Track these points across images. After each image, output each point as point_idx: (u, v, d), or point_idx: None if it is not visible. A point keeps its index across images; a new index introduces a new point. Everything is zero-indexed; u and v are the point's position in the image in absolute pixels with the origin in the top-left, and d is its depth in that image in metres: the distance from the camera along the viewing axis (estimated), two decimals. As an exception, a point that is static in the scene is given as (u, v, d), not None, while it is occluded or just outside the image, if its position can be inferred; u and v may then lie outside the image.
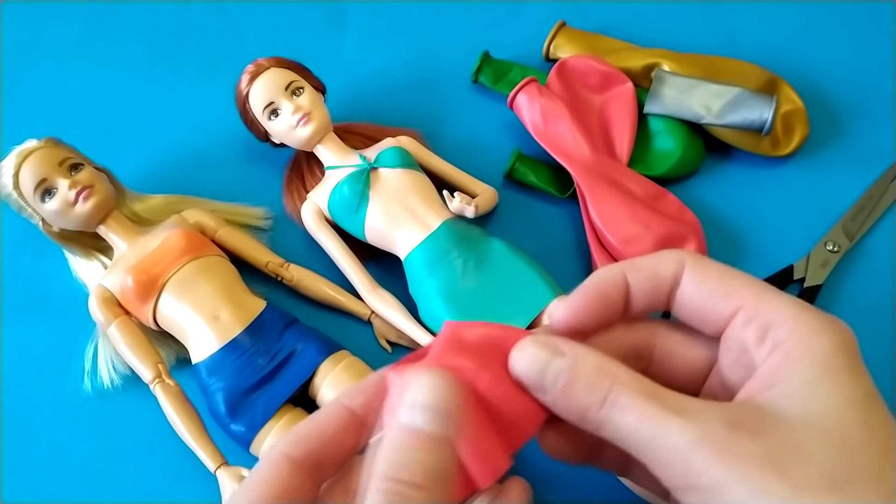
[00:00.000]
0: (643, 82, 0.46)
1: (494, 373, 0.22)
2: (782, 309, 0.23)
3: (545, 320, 0.37)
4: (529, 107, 0.42)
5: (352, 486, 0.22)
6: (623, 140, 0.43)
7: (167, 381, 0.38)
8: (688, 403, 0.22)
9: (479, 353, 0.23)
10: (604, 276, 0.25)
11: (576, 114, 0.43)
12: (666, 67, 0.45)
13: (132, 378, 0.39)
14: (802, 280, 0.40)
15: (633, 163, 0.44)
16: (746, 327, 0.23)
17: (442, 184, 0.43)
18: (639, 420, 0.21)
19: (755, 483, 0.19)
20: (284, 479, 0.21)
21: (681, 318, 0.25)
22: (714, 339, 0.25)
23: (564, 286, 0.39)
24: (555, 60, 0.48)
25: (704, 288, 0.24)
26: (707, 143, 0.44)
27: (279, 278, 0.41)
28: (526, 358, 0.23)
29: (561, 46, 0.48)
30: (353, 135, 0.45)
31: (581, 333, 0.25)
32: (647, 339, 0.27)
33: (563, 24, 0.48)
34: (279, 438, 0.22)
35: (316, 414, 0.23)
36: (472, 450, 0.20)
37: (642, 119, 0.44)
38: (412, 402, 0.20)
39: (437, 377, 0.20)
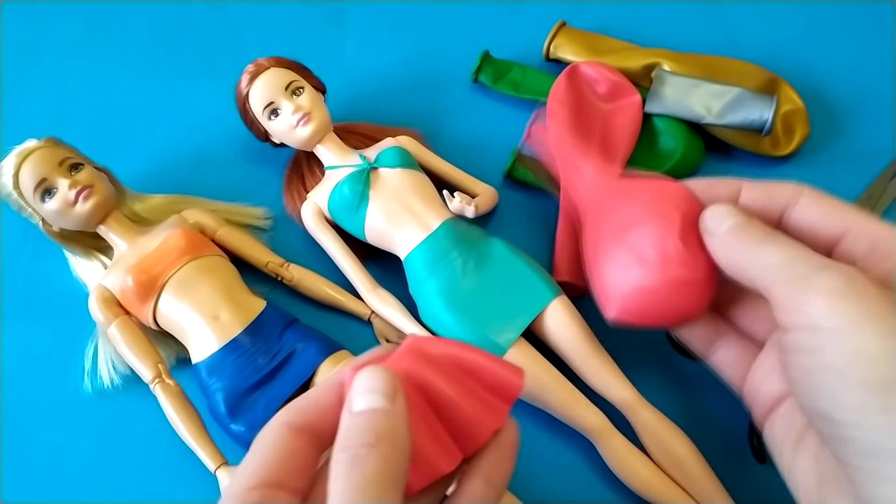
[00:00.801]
0: (643, 82, 0.46)
1: (451, 381, 0.23)
2: (887, 229, 0.26)
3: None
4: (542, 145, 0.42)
5: None
6: (619, 152, 0.43)
7: (167, 380, 0.38)
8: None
9: (439, 363, 0.24)
10: (718, 180, 0.29)
11: (578, 120, 0.43)
12: (666, 67, 0.45)
13: (132, 378, 0.39)
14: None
15: (633, 163, 0.44)
16: (855, 244, 0.26)
17: (442, 184, 0.43)
18: (783, 249, 0.25)
19: (869, 312, 0.22)
20: (287, 442, 0.22)
21: (795, 236, 0.28)
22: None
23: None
24: (555, 60, 0.48)
25: (818, 210, 0.27)
26: (707, 143, 0.44)
27: (279, 278, 0.41)
28: (715, 211, 0.27)
29: (561, 46, 0.48)
30: (353, 135, 0.45)
31: None
32: None
33: (563, 24, 0.48)
34: (281, 411, 0.23)
35: (312, 389, 0.24)
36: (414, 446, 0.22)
37: (645, 120, 0.44)
38: (357, 392, 0.22)
39: (377, 370, 0.22)
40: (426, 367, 0.23)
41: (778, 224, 0.28)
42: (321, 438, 0.23)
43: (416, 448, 0.22)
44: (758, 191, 0.28)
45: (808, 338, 0.23)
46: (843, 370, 0.21)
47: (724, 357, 0.31)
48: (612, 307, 0.30)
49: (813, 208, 0.27)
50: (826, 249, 0.27)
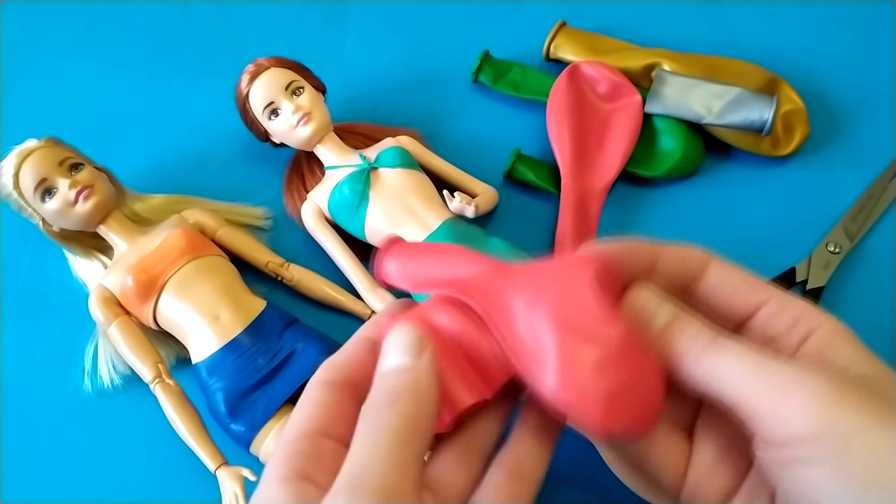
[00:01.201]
0: (643, 82, 0.46)
1: (469, 321, 0.25)
2: (806, 305, 0.25)
3: None
4: None
5: None
6: (618, 153, 0.43)
7: (167, 380, 0.38)
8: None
9: (457, 308, 0.25)
10: (637, 244, 0.27)
11: (578, 119, 0.44)
12: (666, 67, 0.45)
13: (132, 378, 0.39)
14: (804, 282, 0.40)
15: (633, 163, 0.44)
16: (776, 318, 0.25)
17: (442, 184, 0.43)
18: (743, 356, 0.22)
19: (866, 412, 0.20)
20: (329, 396, 0.24)
21: (696, 307, 0.26)
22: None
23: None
24: (555, 60, 0.48)
25: (732, 280, 0.26)
26: (707, 143, 0.44)
27: (279, 278, 0.41)
28: (644, 293, 0.25)
29: (561, 46, 0.48)
30: (354, 134, 0.45)
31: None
32: None
33: (563, 24, 0.48)
34: (318, 370, 0.25)
35: (343, 347, 0.26)
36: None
37: (645, 120, 0.44)
38: (385, 352, 0.23)
39: (405, 328, 0.23)
40: (457, 313, 0.25)
41: (686, 293, 0.26)
42: (358, 390, 0.24)
43: (446, 383, 0.23)
44: (672, 258, 0.26)
45: (807, 449, 0.21)
46: (858, 476, 0.20)
47: (657, 458, 0.27)
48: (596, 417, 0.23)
49: (724, 278, 0.26)
50: (738, 321, 0.26)
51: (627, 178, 0.44)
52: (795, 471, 0.21)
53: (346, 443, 0.23)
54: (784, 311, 0.25)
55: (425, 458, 0.23)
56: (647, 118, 0.44)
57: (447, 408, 0.23)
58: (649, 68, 0.45)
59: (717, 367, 0.23)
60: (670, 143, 0.44)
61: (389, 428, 0.21)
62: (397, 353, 0.23)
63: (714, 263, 0.26)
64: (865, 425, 0.20)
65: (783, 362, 0.22)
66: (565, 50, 0.47)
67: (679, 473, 0.27)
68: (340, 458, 0.22)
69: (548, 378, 0.23)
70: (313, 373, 0.36)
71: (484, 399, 0.24)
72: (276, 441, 0.35)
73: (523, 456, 0.25)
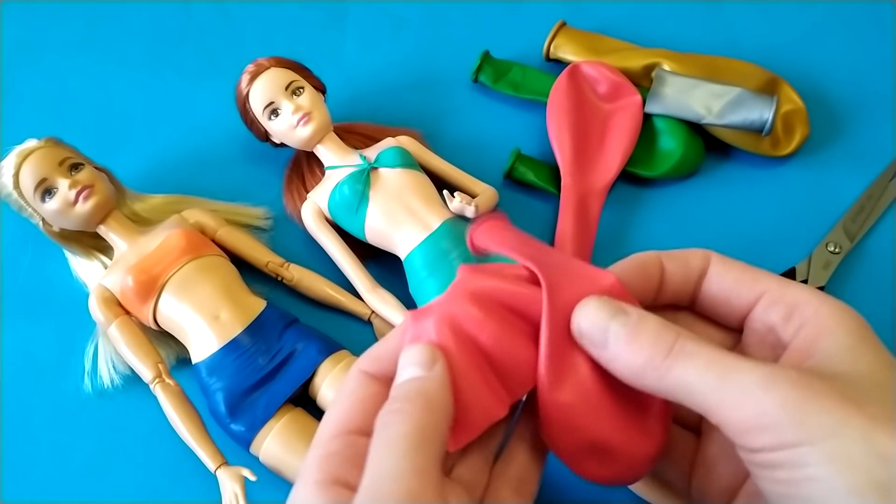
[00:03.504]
0: (643, 82, 0.46)
1: (500, 323, 0.24)
2: (804, 293, 0.24)
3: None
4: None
5: None
6: (618, 153, 0.43)
7: (167, 380, 0.37)
8: (750, 357, 0.22)
9: (486, 305, 0.24)
10: (644, 256, 0.27)
11: (578, 119, 0.44)
12: (666, 67, 0.45)
13: (132, 378, 0.39)
14: (804, 282, 0.40)
15: (633, 163, 0.44)
16: (772, 308, 0.25)
17: (442, 184, 0.43)
18: (706, 364, 0.21)
19: (837, 415, 0.20)
20: (364, 388, 0.24)
21: (704, 308, 0.27)
22: (732, 330, 0.27)
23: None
24: (555, 60, 0.48)
25: (730, 276, 0.26)
26: (707, 143, 0.44)
27: (279, 278, 0.41)
28: (590, 315, 0.23)
29: (561, 46, 0.48)
30: (354, 135, 0.45)
31: None
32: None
33: (563, 24, 0.48)
34: (358, 360, 0.25)
35: (385, 336, 0.26)
36: (461, 397, 0.23)
37: (645, 120, 0.44)
38: (399, 368, 0.23)
39: (416, 346, 0.23)
40: (478, 308, 0.24)
41: (695, 296, 0.27)
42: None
43: (463, 396, 0.23)
44: (675, 263, 0.26)
45: (777, 456, 0.20)
46: (831, 480, 0.19)
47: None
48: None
49: (722, 275, 0.26)
50: (741, 318, 0.26)
51: (627, 177, 0.44)
52: (768, 473, 0.21)
53: None
54: (781, 300, 0.25)
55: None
56: (647, 118, 0.44)
57: (464, 428, 0.23)
58: (649, 68, 0.45)
59: (680, 379, 0.22)
60: (670, 143, 0.44)
61: (401, 434, 0.21)
62: (410, 367, 0.23)
63: (714, 260, 0.26)
64: (832, 431, 0.20)
65: (748, 369, 0.21)
66: (565, 50, 0.47)
67: (686, 469, 0.27)
68: None
69: None
70: (313, 373, 0.37)
71: (499, 418, 0.24)
72: (304, 448, 0.35)
73: (524, 471, 0.26)
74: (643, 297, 0.26)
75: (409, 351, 0.23)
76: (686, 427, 0.28)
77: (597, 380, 0.24)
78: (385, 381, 0.24)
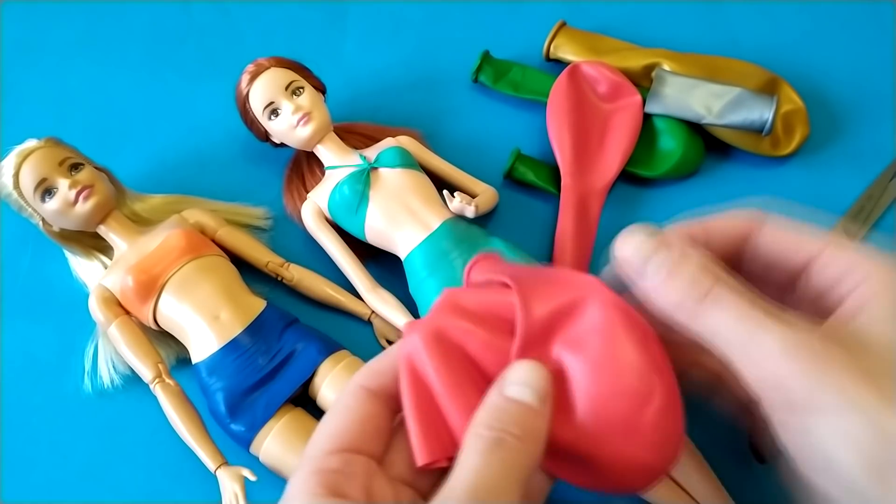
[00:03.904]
0: (643, 82, 0.46)
1: (488, 333, 0.24)
2: (860, 255, 0.24)
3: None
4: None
5: None
6: (617, 153, 0.43)
7: (167, 380, 0.38)
8: (785, 314, 0.22)
9: (474, 315, 0.24)
10: (685, 220, 0.27)
11: (578, 119, 0.44)
12: (666, 67, 0.45)
13: (132, 378, 0.39)
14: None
15: (633, 164, 0.44)
16: (826, 269, 0.24)
17: (442, 184, 0.43)
18: (737, 318, 0.22)
19: (849, 392, 0.20)
20: (363, 406, 0.23)
21: (753, 268, 0.26)
22: (780, 285, 0.26)
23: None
24: (555, 60, 0.48)
25: (783, 236, 0.25)
26: (707, 143, 0.44)
27: (279, 278, 0.41)
28: (633, 243, 0.24)
29: (561, 46, 0.47)
30: (354, 134, 0.45)
31: None
32: None
33: (563, 24, 0.48)
34: (357, 373, 0.24)
35: (386, 352, 0.25)
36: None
37: (645, 120, 0.44)
38: (512, 380, 0.22)
39: (537, 367, 0.22)
40: (466, 320, 0.24)
41: (741, 253, 0.26)
42: (396, 402, 0.24)
43: (450, 408, 0.22)
44: (721, 221, 0.26)
45: (791, 416, 0.21)
46: (832, 452, 0.20)
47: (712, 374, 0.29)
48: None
49: (775, 234, 0.26)
50: (792, 277, 0.25)
51: (628, 178, 0.44)
52: (779, 428, 0.22)
53: (378, 459, 0.23)
54: (833, 263, 0.24)
55: None
56: (648, 118, 0.44)
57: (445, 443, 0.23)
58: (649, 68, 0.45)
59: (709, 326, 0.22)
60: (670, 144, 0.44)
61: (514, 462, 0.21)
62: (526, 388, 0.22)
63: (767, 220, 0.26)
64: (841, 407, 0.20)
65: (776, 330, 0.21)
66: (565, 50, 0.47)
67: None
68: (373, 474, 0.22)
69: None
70: (313, 373, 0.37)
71: None
72: (304, 448, 0.35)
73: (533, 480, 0.25)
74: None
75: (526, 368, 0.22)
76: None
77: (574, 389, 0.23)
78: (384, 397, 0.24)
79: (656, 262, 0.23)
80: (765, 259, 0.26)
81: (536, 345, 0.23)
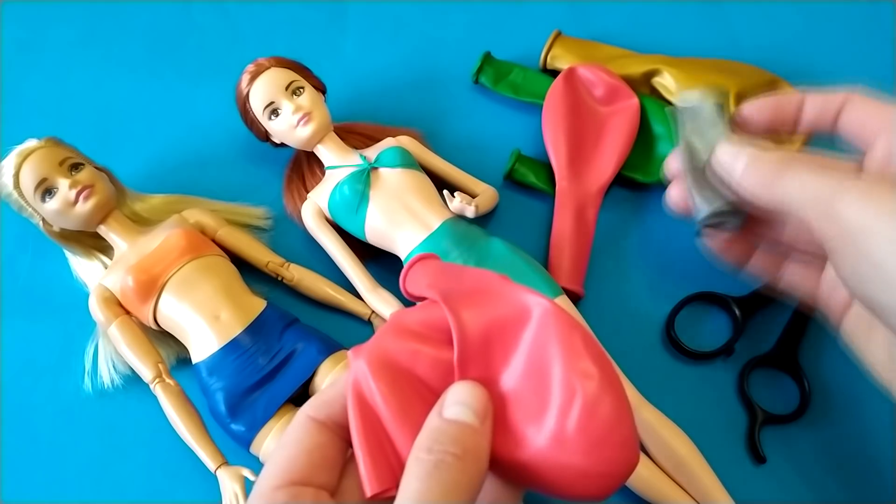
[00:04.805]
0: (642, 89, 0.45)
1: (436, 349, 0.24)
2: None
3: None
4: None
5: None
6: (613, 156, 0.43)
7: (167, 380, 0.38)
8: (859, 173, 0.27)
9: (420, 334, 0.24)
10: (783, 96, 0.32)
11: (574, 122, 0.43)
12: (666, 75, 0.45)
13: (132, 378, 0.39)
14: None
15: (632, 169, 0.44)
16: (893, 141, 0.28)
17: (442, 184, 0.43)
18: (808, 177, 0.26)
19: None
20: (311, 437, 0.23)
21: (844, 134, 0.31)
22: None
23: (565, 286, 0.39)
24: (552, 70, 0.48)
25: (865, 110, 0.30)
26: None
27: (279, 278, 0.41)
28: (725, 147, 0.30)
29: (558, 57, 0.47)
30: (354, 134, 0.45)
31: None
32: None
33: (558, 34, 0.48)
34: (304, 405, 0.24)
35: (333, 384, 0.25)
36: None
37: (643, 124, 0.44)
38: (450, 402, 0.22)
39: (473, 386, 0.23)
40: (412, 341, 0.24)
41: (834, 127, 0.31)
42: (345, 431, 0.23)
43: (397, 433, 0.22)
44: (816, 96, 0.31)
45: (847, 242, 0.25)
46: (888, 263, 0.23)
47: (792, 279, 0.34)
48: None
49: (859, 110, 0.30)
50: (872, 141, 0.29)
51: (626, 182, 0.44)
52: (840, 260, 0.26)
53: (329, 489, 0.22)
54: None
55: None
56: (648, 123, 0.44)
57: (401, 469, 0.22)
58: (648, 75, 0.45)
59: (779, 192, 0.27)
60: (668, 149, 0.43)
61: (454, 482, 0.21)
62: (464, 408, 0.22)
63: (854, 97, 0.30)
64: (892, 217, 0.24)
65: (825, 172, 0.26)
66: (563, 61, 0.47)
67: (814, 286, 0.33)
68: None
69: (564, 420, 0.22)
70: (313, 372, 0.37)
71: None
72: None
73: (499, 490, 0.24)
74: (778, 126, 0.32)
75: (463, 388, 0.22)
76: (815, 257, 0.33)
77: (511, 403, 0.23)
78: (334, 427, 0.23)
79: (743, 155, 0.29)
80: (851, 131, 0.30)
81: (475, 360, 0.23)
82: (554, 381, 0.22)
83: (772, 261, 0.35)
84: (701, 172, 0.32)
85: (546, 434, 0.21)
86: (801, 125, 0.32)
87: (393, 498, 0.21)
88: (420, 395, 0.23)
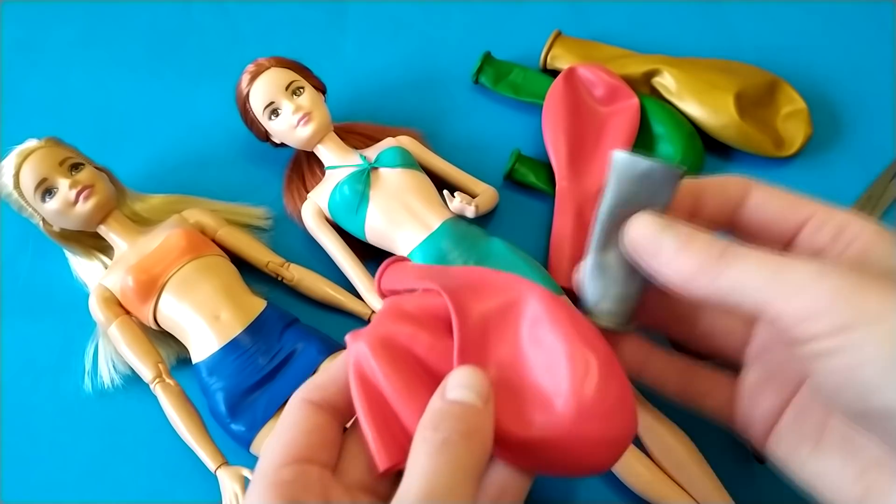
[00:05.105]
0: (643, 89, 0.45)
1: (431, 336, 0.24)
2: (850, 215, 0.25)
3: None
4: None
5: None
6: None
7: (167, 380, 0.38)
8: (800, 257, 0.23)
9: (417, 319, 0.25)
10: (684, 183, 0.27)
11: (574, 122, 0.43)
12: (666, 75, 0.45)
13: (132, 378, 0.39)
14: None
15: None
16: (820, 231, 0.25)
17: (442, 184, 0.43)
18: (759, 263, 0.22)
19: (888, 301, 0.20)
20: (309, 419, 0.23)
21: (745, 233, 0.27)
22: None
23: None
24: (552, 70, 0.48)
25: (775, 202, 0.26)
26: (707, 145, 0.44)
27: (279, 278, 0.41)
28: (644, 223, 0.25)
29: (558, 57, 0.47)
30: (354, 134, 0.45)
31: None
32: None
33: (558, 34, 0.48)
34: (298, 390, 0.25)
35: (328, 366, 0.25)
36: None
37: (643, 125, 0.44)
38: (453, 384, 0.22)
39: (474, 370, 0.23)
40: (409, 325, 0.24)
41: (731, 220, 0.27)
42: (341, 413, 0.24)
43: (401, 412, 0.23)
44: (713, 190, 0.27)
45: (837, 340, 0.21)
46: (885, 360, 0.20)
47: (698, 393, 0.30)
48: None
49: (767, 200, 0.26)
50: (784, 241, 0.26)
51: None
52: (824, 364, 0.22)
53: (331, 468, 0.23)
54: (828, 222, 0.25)
55: None
56: (648, 124, 0.44)
57: (398, 448, 0.23)
58: (648, 75, 0.45)
59: (734, 278, 0.23)
60: (669, 150, 0.44)
61: (461, 460, 0.21)
62: (467, 390, 0.22)
63: (756, 187, 0.27)
64: (885, 314, 0.20)
65: (801, 263, 0.22)
66: (563, 61, 0.47)
67: (726, 403, 0.29)
68: (328, 483, 0.22)
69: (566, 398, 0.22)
70: (314, 372, 0.37)
71: None
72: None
73: (504, 479, 0.24)
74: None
75: (465, 371, 0.23)
76: (724, 364, 0.30)
77: (516, 384, 0.24)
78: (330, 409, 0.24)
79: (669, 236, 0.24)
80: (758, 223, 0.27)
81: (475, 348, 0.24)
82: (560, 357, 0.23)
83: (677, 377, 0.30)
84: (608, 250, 0.27)
85: (562, 406, 0.22)
86: (701, 220, 0.27)
87: (397, 474, 0.22)
88: (419, 376, 0.24)
